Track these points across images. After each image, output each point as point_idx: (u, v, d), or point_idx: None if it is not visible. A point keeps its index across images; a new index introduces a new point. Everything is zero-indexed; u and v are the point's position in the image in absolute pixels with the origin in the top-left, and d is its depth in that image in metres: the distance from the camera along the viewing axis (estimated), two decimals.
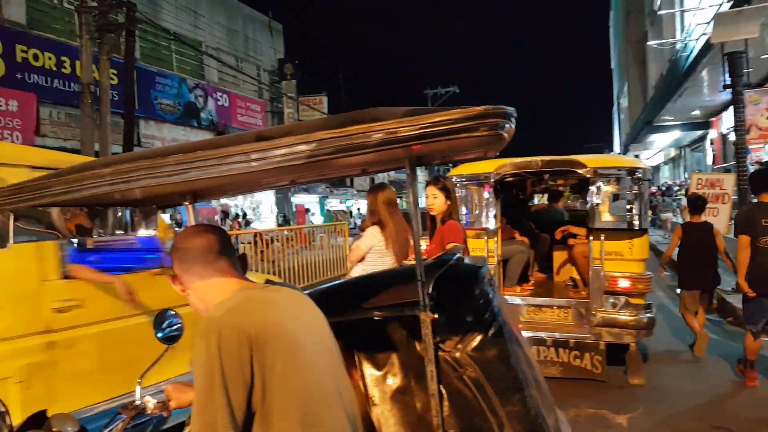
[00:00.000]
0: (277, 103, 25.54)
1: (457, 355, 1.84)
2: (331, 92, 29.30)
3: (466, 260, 2.18)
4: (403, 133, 1.20)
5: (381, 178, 25.09)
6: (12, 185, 1.41)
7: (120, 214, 1.81)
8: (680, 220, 12.71)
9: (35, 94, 13.22)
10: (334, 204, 35.83)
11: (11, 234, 1.41)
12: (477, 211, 5.42)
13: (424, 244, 4.61)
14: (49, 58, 13.78)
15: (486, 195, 5.38)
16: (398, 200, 4.65)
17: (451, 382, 1.80)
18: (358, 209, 36.65)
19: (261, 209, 27.25)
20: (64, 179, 1.34)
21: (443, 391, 1.75)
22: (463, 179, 5.44)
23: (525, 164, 5.19)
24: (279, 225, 23.49)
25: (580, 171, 5.04)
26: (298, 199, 30.29)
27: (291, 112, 25.25)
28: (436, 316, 1.66)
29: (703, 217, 6.02)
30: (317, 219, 29.16)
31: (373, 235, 4.11)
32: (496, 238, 5.33)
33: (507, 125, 1.25)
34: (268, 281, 1.62)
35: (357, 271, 4.22)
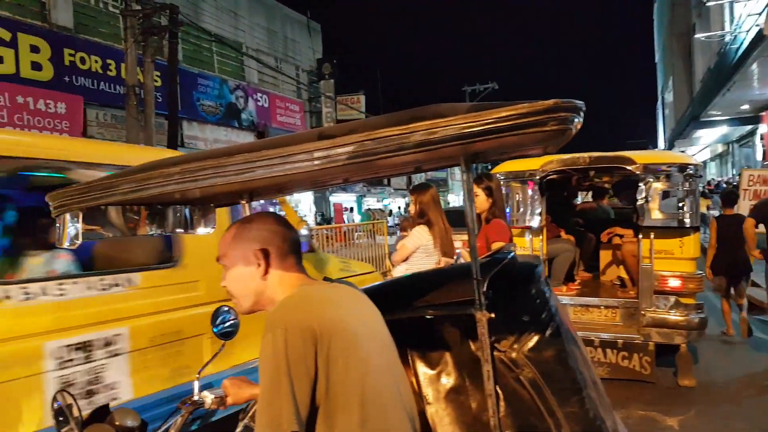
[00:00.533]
0: (315, 102, 25.73)
1: (513, 355, 1.82)
2: (368, 90, 29.36)
3: (518, 259, 2.15)
4: (469, 129, 1.18)
5: (419, 176, 25.02)
6: (80, 184, 1.44)
7: (179, 213, 1.84)
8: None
9: (82, 96, 13.61)
10: (371, 203, 35.92)
11: (80, 233, 1.45)
12: (521, 209, 5.35)
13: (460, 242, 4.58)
14: (96, 61, 14.18)
15: (530, 192, 5.30)
16: None
17: (507, 382, 1.78)
18: (399, 208, 36.58)
19: (300, 208, 27.53)
20: (131, 178, 1.37)
21: (499, 391, 1.73)
22: (508, 176, 5.37)
23: (572, 161, 5.09)
24: (318, 224, 23.67)
25: (629, 167, 4.92)
26: (336, 198, 30.47)
27: (329, 112, 25.36)
28: (493, 315, 1.63)
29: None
30: (355, 218, 29.28)
31: (421, 235, 4.11)
32: (541, 237, 5.25)
33: (576, 119, 1.21)
34: (325, 278, 1.62)
35: (400, 271, 4.22)
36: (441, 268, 3.56)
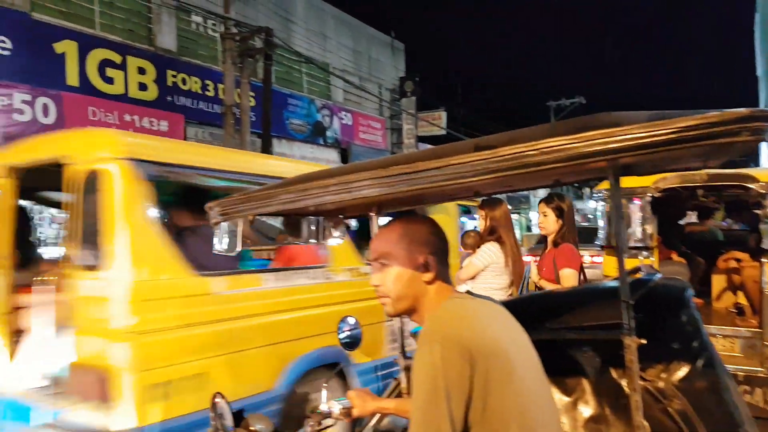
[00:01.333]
0: (395, 119, 25.95)
1: (661, 385, 1.70)
2: (449, 107, 29.22)
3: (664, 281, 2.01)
4: (652, 139, 1.10)
5: None
6: (241, 194, 1.48)
7: (313, 224, 1.86)
8: None
9: (183, 115, 14.40)
10: None
11: (240, 240, 1.48)
12: (630, 229, 5.08)
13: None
14: (195, 82, 14.96)
15: (639, 211, 5.03)
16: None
17: (654, 413, 1.66)
18: (475, 226, 36.06)
19: None
20: (290, 189, 1.38)
21: (645, 423, 1.61)
22: None
23: (688, 178, 4.78)
24: None
25: (751, 186, 4.56)
26: None
27: (410, 128, 25.50)
28: (644, 341, 1.52)
29: None
30: None
31: (492, 252, 3.96)
32: (652, 258, 4.96)
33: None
34: (468, 292, 1.58)
35: (462, 290, 4.11)
36: (578, 288, 3.36)
